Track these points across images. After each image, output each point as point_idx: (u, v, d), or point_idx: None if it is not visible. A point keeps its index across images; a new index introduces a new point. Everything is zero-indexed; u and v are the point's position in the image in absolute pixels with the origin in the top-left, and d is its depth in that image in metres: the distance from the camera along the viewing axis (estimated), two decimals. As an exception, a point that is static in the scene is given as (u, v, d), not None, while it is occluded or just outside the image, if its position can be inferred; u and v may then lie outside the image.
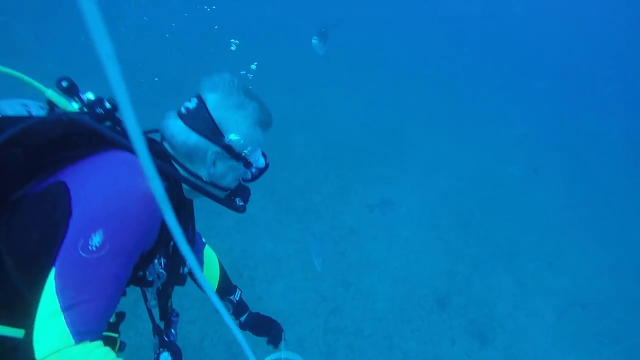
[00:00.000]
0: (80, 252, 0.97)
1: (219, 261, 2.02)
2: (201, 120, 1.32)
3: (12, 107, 1.21)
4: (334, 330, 5.62)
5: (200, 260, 1.92)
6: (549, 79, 15.31)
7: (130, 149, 1.06)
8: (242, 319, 2.03)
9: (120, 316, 1.35)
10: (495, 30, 18.41)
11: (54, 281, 0.94)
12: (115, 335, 1.27)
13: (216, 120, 1.34)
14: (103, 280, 0.98)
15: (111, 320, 1.28)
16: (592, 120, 14.57)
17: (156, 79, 7.89)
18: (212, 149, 1.35)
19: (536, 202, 9.28)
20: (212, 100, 1.36)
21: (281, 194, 7.46)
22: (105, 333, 1.10)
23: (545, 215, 9.11)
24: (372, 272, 6.65)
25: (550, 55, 18.43)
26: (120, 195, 1.05)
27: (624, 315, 7.36)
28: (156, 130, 1.42)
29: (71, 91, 1.32)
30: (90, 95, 1.32)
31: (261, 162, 1.51)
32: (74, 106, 1.33)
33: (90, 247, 0.97)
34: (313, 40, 4.90)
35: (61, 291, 0.93)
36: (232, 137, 1.35)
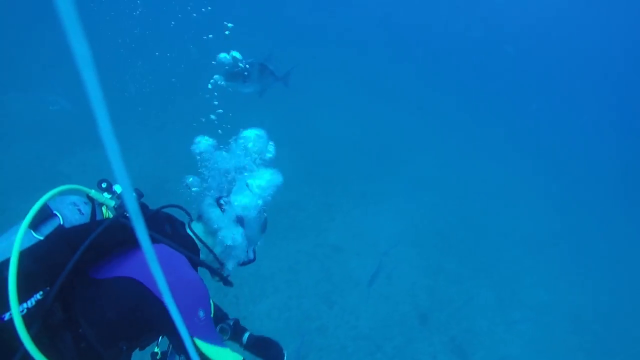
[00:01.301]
0: (200, 323, 1.45)
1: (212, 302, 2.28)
2: (236, 218, 1.81)
3: (67, 208, 1.56)
4: (318, 348, 5.73)
5: None
6: (537, 98, 15.87)
7: (162, 240, 1.55)
8: (244, 339, 2.23)
9: None
10: (478, 52, 18.94)
11: (201, 342, 1.42)
12: None
13: (245, 222, 1.83)
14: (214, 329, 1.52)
15: None
16: (574, 139, 15.07)
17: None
18: (231, 247, 1.82)
19: (515, 219, 9.56)
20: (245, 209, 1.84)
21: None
22: None
23: (524, 231, 9.38)
24: (355, 289, 6.78)
25: (536, 75, 19.04)
26: (192, 284, 1.51)
27: (600, 329, 7.63)
28: (177, 206, 1.84)
29: (108, 189, 1.69)
30: (118, 189, 1.68)
31: (250, 255, 1.96)
32: (106, 196, 1.70)
33: (202, 318, 1.46)
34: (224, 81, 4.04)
35: (207, 339, 1.44)
36: (248, 234, 1.85)
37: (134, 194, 1.37)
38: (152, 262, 0.74)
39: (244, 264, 1.96)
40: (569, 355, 7.06)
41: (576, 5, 21.61)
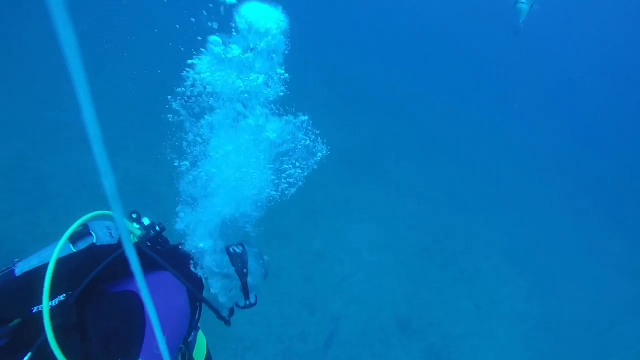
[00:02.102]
0: (155, 350, 1.53)
1: (207, 345, 2.39)
2: (241, 264, 2.01)
3: (102, 230, 1.80)
4: (299, 354, 5.80)
5: (194, 341, 2.38)
6: (519, 100, 16.22)
7: (169, 269, 1.74)
8: None
9: None
10: (460, 57, 19.32)
11: None
12: None
13: (249, 270, 2.01)
14: None
15: None
16: (551, 149, 15.47)
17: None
18: (236, 282, 2.00)
19: (494, 229, 9.79)
20: (250, 253, 2.06)
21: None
22: None
23: (501, 241, 9.61)
24: (337, 296, 6.89)
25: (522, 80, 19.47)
26: (178, 314, 1.68)
27: (572, 337, 7.87)
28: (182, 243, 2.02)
29: (137, 220, 1.96)
30: (146, 221, 1.96)
31: (252, 299, 2.10)
32: (135, 225, 1.96)
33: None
34: None
35: None
36: (250, 281, 2.02)
37: (128, 228, 1.60)
38: (139, 277, 0.94)
39: (245, 307, 2.12)
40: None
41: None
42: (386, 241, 8.28)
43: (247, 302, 2.10)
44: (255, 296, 2.11)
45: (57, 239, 1.66)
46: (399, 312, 7.04)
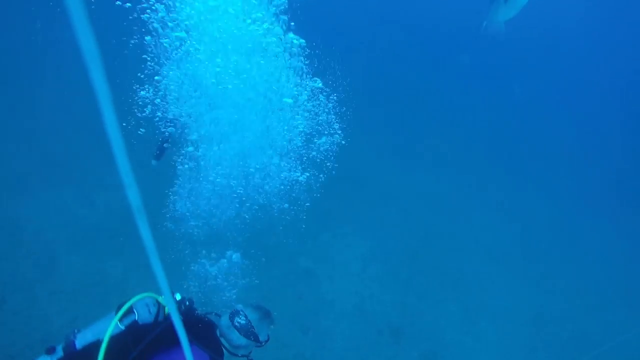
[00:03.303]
0: None
1: None
2: (249, 333, 2.36)
3: (142, 307, 2.18)
4: (295, 376, 5.83)
5: None
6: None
7: (193, 342, 2.10)
8: None
9: None
10: (438, 65, 19.76)
11: None
12: None
13: (256, 331, 2.37)
14: None
15: None
16: (530, 154, 15.94)
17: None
18: (251, 346, 2.38)
19: (477, 231, 10.03)
20: (253, 319, 2.39)
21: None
22: None
23: (485, 242, 9.85)
24: (329, 312, 6.96)
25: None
26: None
27: (558, 329, 8.14)
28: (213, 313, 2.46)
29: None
30: (177, 296, 2.34)
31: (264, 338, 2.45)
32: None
33: None
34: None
35: None
36: (262, 339, 2.40)
37: (176, 307, 1.84)
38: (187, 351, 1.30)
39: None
40: (531, 356, 7.50)
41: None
42: (373, 252, 8.40)
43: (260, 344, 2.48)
44: (268, 335, 2.47)
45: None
46: (391, 322, 7.15)
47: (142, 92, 5.26)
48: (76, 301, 5.89)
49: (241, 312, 2.40)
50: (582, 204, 12.85)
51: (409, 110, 15.03)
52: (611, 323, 8.46)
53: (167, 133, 5.46)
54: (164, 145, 5.89)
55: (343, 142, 8.12)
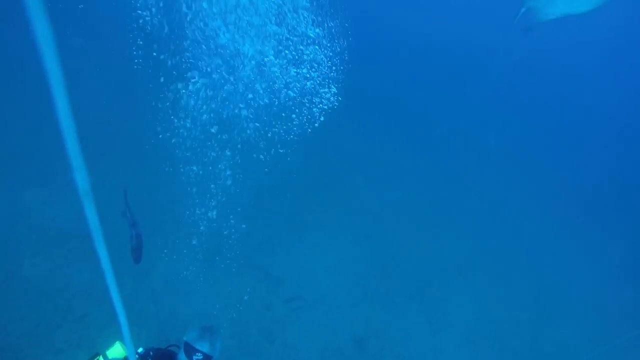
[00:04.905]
0: None
1: None
2: (189, 350, 2.67)
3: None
4: (259, 386, 5.92)
5: None
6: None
7: None
8: None
9: None
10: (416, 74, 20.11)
11: None
12: None
13: (197, 346, 2.67)
14: None
15: None
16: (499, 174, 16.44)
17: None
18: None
19: (444, 244, 10.32)
20: (191, 338, 2.71)
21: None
22: None
23: (452, 256, 10.15)
24: (295, 322, 7.06)
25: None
26: None
27: (519, 344, 8.49)
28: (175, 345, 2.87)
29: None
30: (140, 350, 2.74)
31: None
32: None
33: None
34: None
35: None
36: (208, 352, 2.67)
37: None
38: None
39: None
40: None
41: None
42: (342, 262, 8.55)
43: None
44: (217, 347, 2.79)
45: None
46: (356, 334, 7.32)
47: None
48: (38, 307, 5.79)
49: (184, 338, 2.74)
50: (549, 219, 13.37)
51: (382, 121, 15.26)
52: (572, 338, 8.87)
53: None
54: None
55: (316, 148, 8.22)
